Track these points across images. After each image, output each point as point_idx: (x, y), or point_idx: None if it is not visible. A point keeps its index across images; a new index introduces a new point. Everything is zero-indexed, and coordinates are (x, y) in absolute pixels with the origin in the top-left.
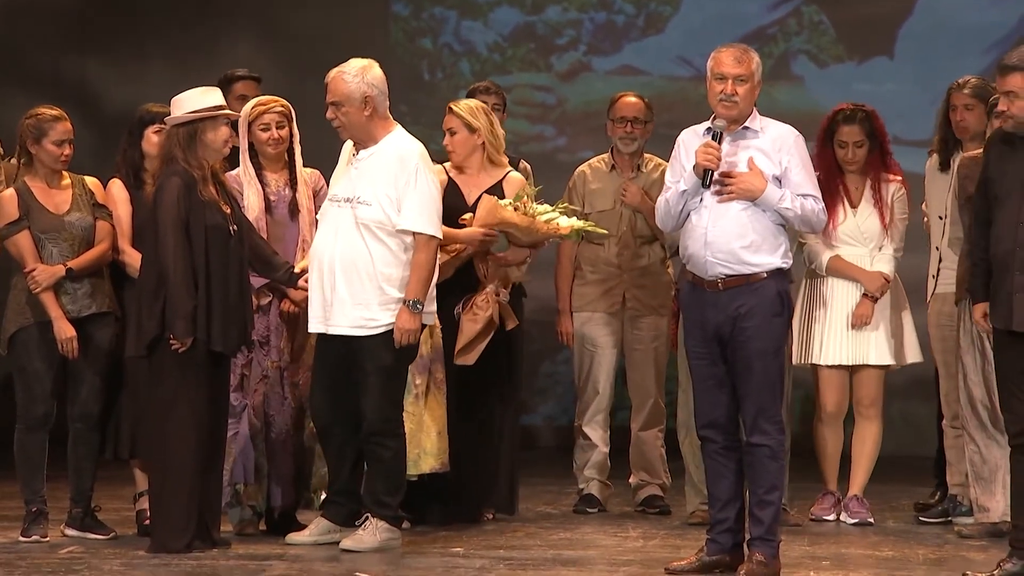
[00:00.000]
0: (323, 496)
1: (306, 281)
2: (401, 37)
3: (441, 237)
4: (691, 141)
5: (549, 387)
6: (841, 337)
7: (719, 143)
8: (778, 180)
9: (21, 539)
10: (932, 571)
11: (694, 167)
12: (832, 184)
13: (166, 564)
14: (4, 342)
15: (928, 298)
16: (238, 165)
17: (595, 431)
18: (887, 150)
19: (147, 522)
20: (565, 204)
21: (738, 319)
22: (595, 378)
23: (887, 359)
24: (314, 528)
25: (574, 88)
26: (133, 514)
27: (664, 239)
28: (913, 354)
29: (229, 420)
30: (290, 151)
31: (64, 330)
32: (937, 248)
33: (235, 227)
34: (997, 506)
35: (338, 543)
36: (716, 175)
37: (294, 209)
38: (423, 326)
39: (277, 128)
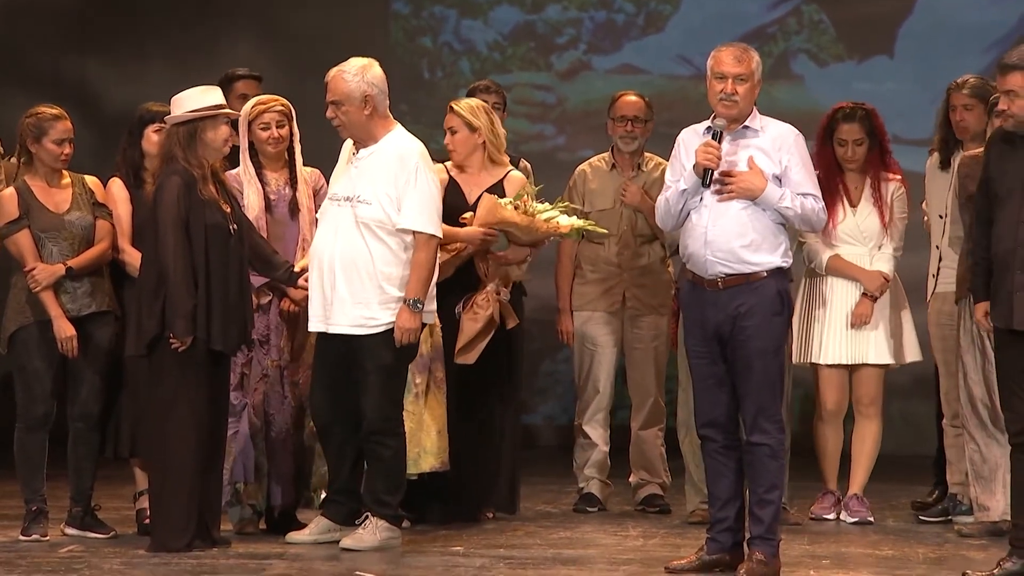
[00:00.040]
0: (323, 495)
1: (306, 280)
2: (401, 36)
3: (441, 236)
4: (691, 140)
5: (549, 386)
6: (840, 336)
7: (719, 142)
8: (778, 179)
9: (21, 538)
10: (932, 570)
11: (694, 166)
12: (832, 183)
13: (166, 563)
14: (4, 341)
15: (928, 297)
16: (238, 164)
17: (595, 430)
18: (887, 149)
19: (147, 521)
20: (566, 203)
21: (738, 318)
22: (595, 377)
23: (886, 358)
24: (314, 527)
25: (574, 87)
26: (133, 513)
27: (664, 238)
28: (912, 353)
29: (229, 419)
30: (290, 150)
31: (64, 329)
32: (937, 247)
33: (235, 226)
34: (997, 505)
35: (338, 542)
36: (716, 174)
37: (294, 208)
38: (423, 325)
39: (277, 127)
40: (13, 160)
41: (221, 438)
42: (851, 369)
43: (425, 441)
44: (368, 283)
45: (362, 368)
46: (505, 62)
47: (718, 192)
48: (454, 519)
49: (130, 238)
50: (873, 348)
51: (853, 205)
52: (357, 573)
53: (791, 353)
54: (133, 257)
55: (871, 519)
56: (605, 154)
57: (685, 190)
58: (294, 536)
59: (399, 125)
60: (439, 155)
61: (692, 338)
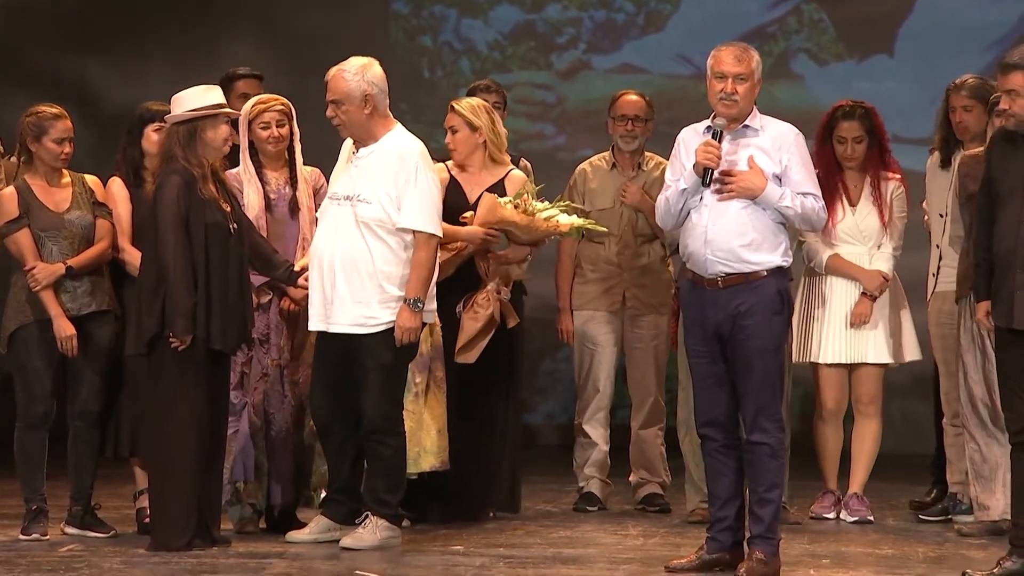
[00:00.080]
0: (323, 494)
1: (306, 279)
2: (401, 35)
3: (441, 235)
4: (691, 139)
5: (549, 385)
6: (840, 335)
7: (719, 141)
8: (778, 178)
9: (21, 537)
10: (932, 569)
11: (694, 165)
12: (831, 182)
13: (166, 562)
14: (4, 340)
15: (928, 296)
16: (238, 163)
17: (595, 429)
18: (886, 147)
19: (147, 520)
20: (567, 202)
21: (738, 317)
22: (595, 376)
23: (885, 357)
24: (314, 526)
25: (574, 86)
26: (133, 512)
27: (664, 237)
28: (912, 352)
29: (229, 418)
30: (290, 149)
31: (64, 328)
32: (938, 246)
33: (235, 225)
34: (997, 504)
35: (338, 541)
36: (716, 173)
37: (294, 207)
38: (423, 324)
39: (277, 126)
40: (13, 159)
41: (221, 437)
42: (850, 368)
43: (425, 440)
44: (368, 282)
45: (362, 367)
46: (505, 61)
47: (718, 191)
48: (455, 518)
49: (130, 237)
50: (872, 347)
51: (852, 204)
52: (357, 572)
53: (791, 352)
54: (133, 256)
55: (871, 518)
56: (605, 153)
57: (685, 189)
58: (294, 535)
59: (399, 124)
60: (439, 154)
61: (692, 337)
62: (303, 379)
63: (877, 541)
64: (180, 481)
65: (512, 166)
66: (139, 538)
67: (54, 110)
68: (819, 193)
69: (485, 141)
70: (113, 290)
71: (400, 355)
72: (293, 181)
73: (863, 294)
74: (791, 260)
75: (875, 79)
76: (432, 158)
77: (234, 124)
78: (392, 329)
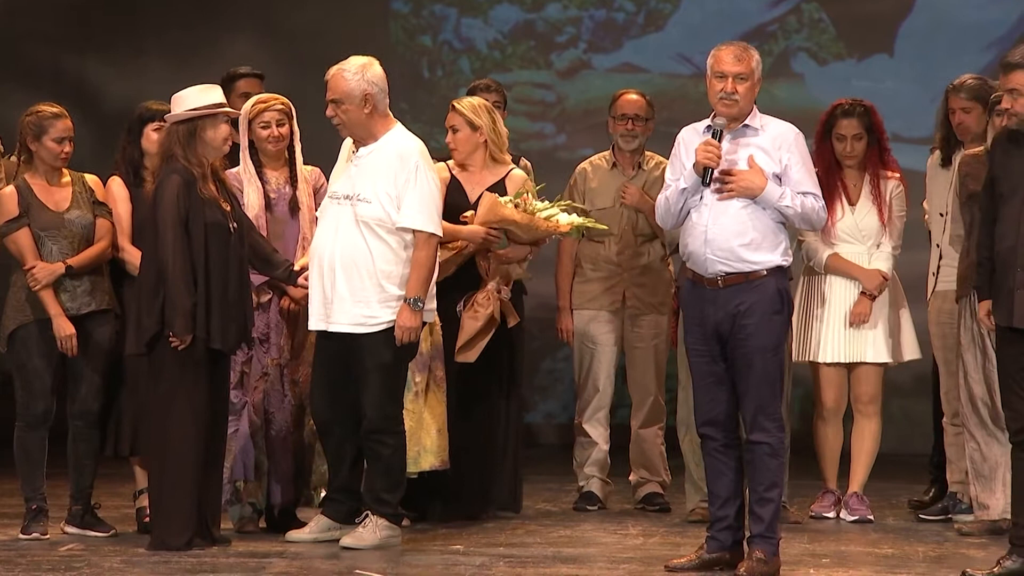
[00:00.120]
0: (323, 493)
1: (306, 279)
2: (401, 34)
3: (441, 235)
4: (691, 139)
5: (549, 385)
6: (839, 335)
7: (719, 141)
8: (778, 178)
9: (21, 536)
10: (932, 568)
11: (694, 165)
12: (831, 181)
13: (166, 561)
14: (4, 339)
15: (928, 295)
16: (238, 163)
17: (595, 429)
18: (885, 146)
19: (147, 519)
20: (568, 201)
21: (738, 316)
22: (595, 376)
23: (884, 357)
24: (314, 526)
25: (574, 85)
26: (133, 511)
27: (664, 237)
28: (911, 351)
29: (229, 417)
30: (290, 149)
31: (63, 328)
32: (938, 245)
33: (235, 225)
34: (997, 504)
35: (338, 541)
36: (716, 173)
37: (294, 207)
38: (423, 324)
39: (277, 126)
40: (13, 158)
41: (221, 436)
42: (849, 367)
43: (425, 440)
44: (368, 281)
45: (362, 366)
46: (505, 61)
47: (718, 191)
48: (456, 518)
49: (130, 237)
50: (871, 347)
51: (852, 203)
52: (357, 572)
53: (791, 351)
54: (133, 256)
55: (871, 518)
56: (606, 152)
57: (685, 189)
58: (294, 535)
59: (399, 124)
60: (439, 154)
61: (692, 337)
62: (303, 378)
63: (877, 540)
64: (180, 480)
65: (513, 165)
66: (139, 537)
67: (54, 109)
68: (819, 193)
69: (486, 140)
70: (113, 289)
71: (400, 354)
72: (293, 180)
73: (862, 293)
74: (791, 259)
75: (875, 78)
76: (432, 157)
77: (234, 123)
78: (392, 328)
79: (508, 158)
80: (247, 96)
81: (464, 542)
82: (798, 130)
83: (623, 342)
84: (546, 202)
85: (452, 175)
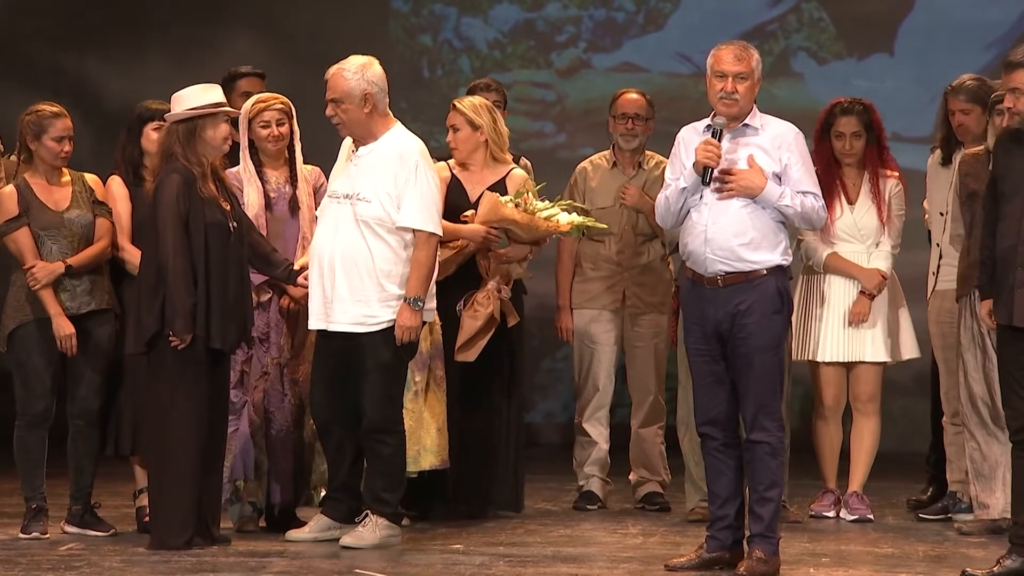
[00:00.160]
0: (323, 493)
1: (306, 278)
2: (401, 33)
3: (441, 234)
4: (691, 138)
5: (549, 384)
6: (838, 334)
7: (719, 140)
8: (778, 177)
9: (21, 536)
10: (932, 568)
11: (694, 164)
12: (830, 179)
13: (166, 561)
14: (3, 339)
15: (928, 295)
16: (238, 162)
17: (595, 428)
18: (884, 144)
19: (147, 519)
20: (569, 201)
21: (738, 316)
22: (595, 375)
23: (883, 356)
24: (314, 525)
25: (574, 85)
26: (133, 511)
27: (664, 236)
28: (909, 350)
29: (229, 417)
30: (290, 148)
31: (63, 327)
32: (938, 245)
33: (235, 224)
34: (997, 503)
35: (338, 540)
36: (716, 172)
37: (294, 206)
38: (423, 323)
39: (277, 125)
40: (13, 158)
41: (221, 436)
42: (848, 367)
43: (425, 439)
44: (368, 281)
45: (362, 366)
46: (505, 60)
47: (718, 190)
48: (458, 517)
49: (130, 236)
50: (870, 346)
51: (851, 202)
52: (357, 571)
53: (791, 351)
54: (133, 255)
55: (871, 517)
56: (606, 152)
57: (685, 188)
58: (294, 534)
59: (399, 123)
60: (438, 153)
61: (692, 336)
62: (303, 378)
63: (877, 540)
64: (180, 480)
65: (514, 165)
66: (139, 537)
67: (54, 108)
68: (819, 192)
69: (487, 140)
70: (113, 289)
71: (400, 354)
72: (293, 180)
73: (861, 292)
74: (791, 259)
75: (875, 78)
76: (432, 157)
77: (234, 123)
78: (392, 328)
79: (509, 157)
80: (248, 95)
81: (464, 541)
82: (798, 129)
83: (623, 341)
84: (546, 202)
85: (453, 174)
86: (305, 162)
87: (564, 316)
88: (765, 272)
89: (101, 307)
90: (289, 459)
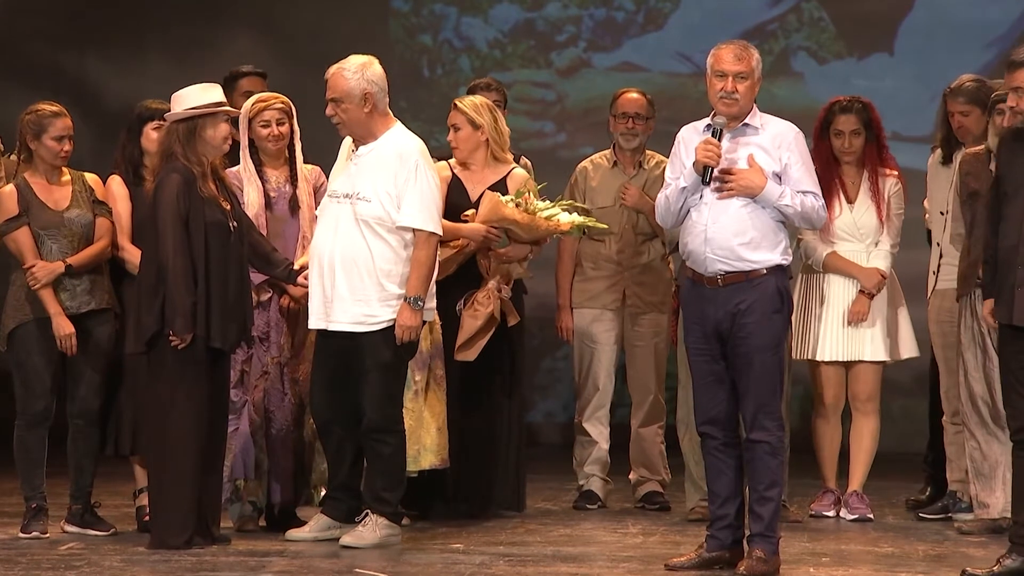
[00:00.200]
0: (323, 492)
1: (306, 277)
2: (401, 33)
3: (441, 234)
4: (691, 138)
5: (549, 384)
6: (837, 333)
7: (719, 140)
8: (778, 177)
9: (21, 535)
10: (932, 567)
11: (694, 164)
12: (828, 178)
13: (166, 560)
14: (3, 338)
15: (929, 294)
16: (238, 161)
17: (595, 427)
18: (883, 143)
19: (147, 518)
20: (570, 201)
21: (738, 315)
22: (595, 374)
23: (882, 355)
24: (314, 524)
25: (574, 84)
26: (133, 510)
27: (664, 236)
28: (908, 350)
29: (229, 416)
30: (291, 147)
31: (63, 327)
32: (938, 244)
33: (235, 224)
34: (997, 502)
35: (338, 539)
36: (716, 172)
37: (294, 205)
38: (423, 322)
39: (277, 125)
40: (13, 157)
41: (221, 435)
42: (847, 366)
43: (425, 438)
44: (368, 280)
45: (362, 365)
46: (505, 59)
47: (718, 190)
48: (459, 516)
49: (130, 235)
50: (869, 345)
51: (850, 201)
52: (357, 571)
53: (791, 350)
54: (132, 255)
55: (871, 516)
56: (607, 151)
57: (685, 188)
58: (294, 533)
59: (399, 122)
60: (438, 152)
61: (692, 336)
62: (303, 377)
63: (877, 539)
64: (180, 479)
65: (514, 164)
66: (139, 536)
67: (54, 108)
68: (819, 192)
69: (488, 139)
70: (112, 288)
71: (400, 353)
72: (293, 179)
73: (861, 292)
74: (791, 258)
75: (875, 77)
76: (432, 156)
77: (234, 122)
78: (392, 327)
79: (510, 157)
80: (250, 95)
81: (464, 541)
82: (798, 129)
83: (623, 341)
84: (547, 202)
85: (453, 174)
86: (305, 161)
87: (564, 315)
88: (765, 271)
89: (101, 306)
90: (289, 458)
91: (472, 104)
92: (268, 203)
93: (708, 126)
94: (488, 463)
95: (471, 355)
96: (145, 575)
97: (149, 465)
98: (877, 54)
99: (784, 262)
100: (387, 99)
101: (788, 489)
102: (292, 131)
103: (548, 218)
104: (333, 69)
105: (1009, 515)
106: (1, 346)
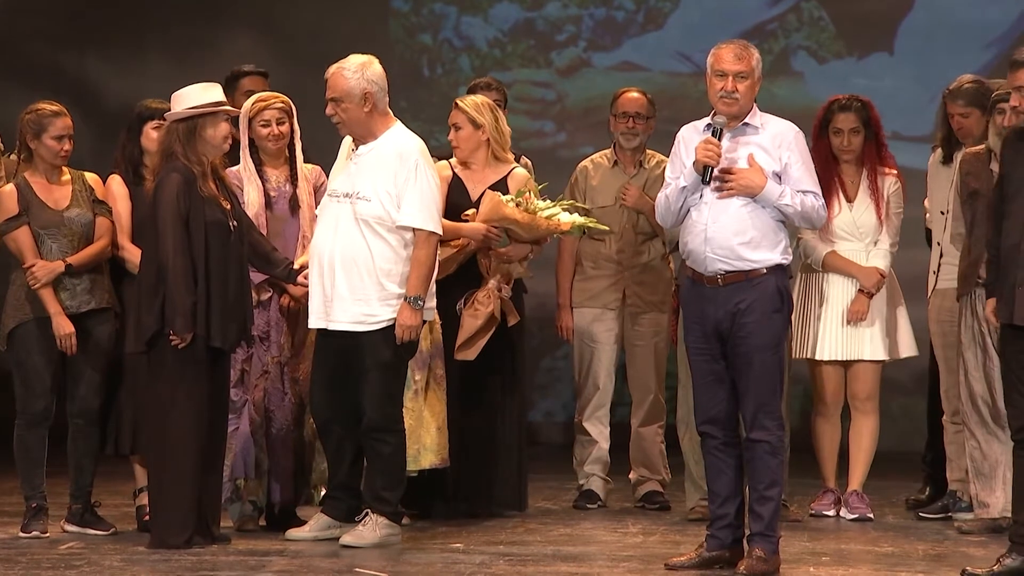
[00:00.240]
0: (323, 492)
1: (306, 277)
2: (401, 33)
3: (441, 233)
4: (691, 137)
5: (549, 383)
6: (836, 332)
7: (719, 139)
8: (778, 176)
9: (21, 535)
10: (932, 567)
11: (694, 163)
12: (828, 177)
13: (166, 560)
14: (3, 337)
15: (929, 294)
16: (239, 161)
17: (595, 427)
18: (882, 142)
19: (147, 518)
20: (571, 201)
21: (738, 315)
22: (595, 374)
23: (881, 355)
24: (314, 524)
25: (574, 84)
26: (133, 510)
27: (664, 235)
28: (907, 349)
29: (229, 416)
30: (291, 147)
31: (63, 326)
32: (939, 243)
33: (235, 223)
34: (997, 502)
35: (338, 539)
36: (716, 171)
37: (294, 205)
38: (423, 322)
39: (277, 124)
40: (13, 156)
41: (221, 435)
42: (847, 365)
43: (425, 438)
44: (368, 280)
45: (362, 365)
46: (505, 59)
47: (718, 189)
48: (459, 516)
49: (130, 235)
50: (868, 344)
51: (850, 200)
52: (357, 570)
53: (790, 349)
54: (133, 254)
55: (871, 516)
56: (607, 151)
57: (685, 187)
58: (294, 533)
59: (399, 122)
60: (438, 152)
61: (692, 335)
62: (303, 376)
63: (877, 539)
64: (180, 479)
65: (515, 164)
66: (139, 536)
67: (54, 107)
68: (819, 191)
69: (488, 139)
70: (112, 288)
71: (400, 353)
72: (293, 178)
73: (860, 291)
74: (791, 258)
75: (875, 76)
76: (432, 155)
77: (234, 121)
78: (392, 327)
79: (510, 156)
80: (251, 94)
81: (464, 540)
82: (798, 128)
83: (623, 340)
84: (548, 201)
85: (454, 173)
86: (305, 161)
87: (564, 315)
88: (765, 271)
89: (101, 306)
90: (289, 458)
91: (473, 103)
92: (268, 202)
93: (708, 125)
94: (488, 462)
95: (471, 354)
96: (145, 575)
97: (149, 464)
98: (877, 54)
99: (784, 261)
100: (387, 98)
101: (788, 488)
102: (292, 130)
103: (548, 218)
104: (333, 69)
105: (1009, 514)
106: (1, 345)
